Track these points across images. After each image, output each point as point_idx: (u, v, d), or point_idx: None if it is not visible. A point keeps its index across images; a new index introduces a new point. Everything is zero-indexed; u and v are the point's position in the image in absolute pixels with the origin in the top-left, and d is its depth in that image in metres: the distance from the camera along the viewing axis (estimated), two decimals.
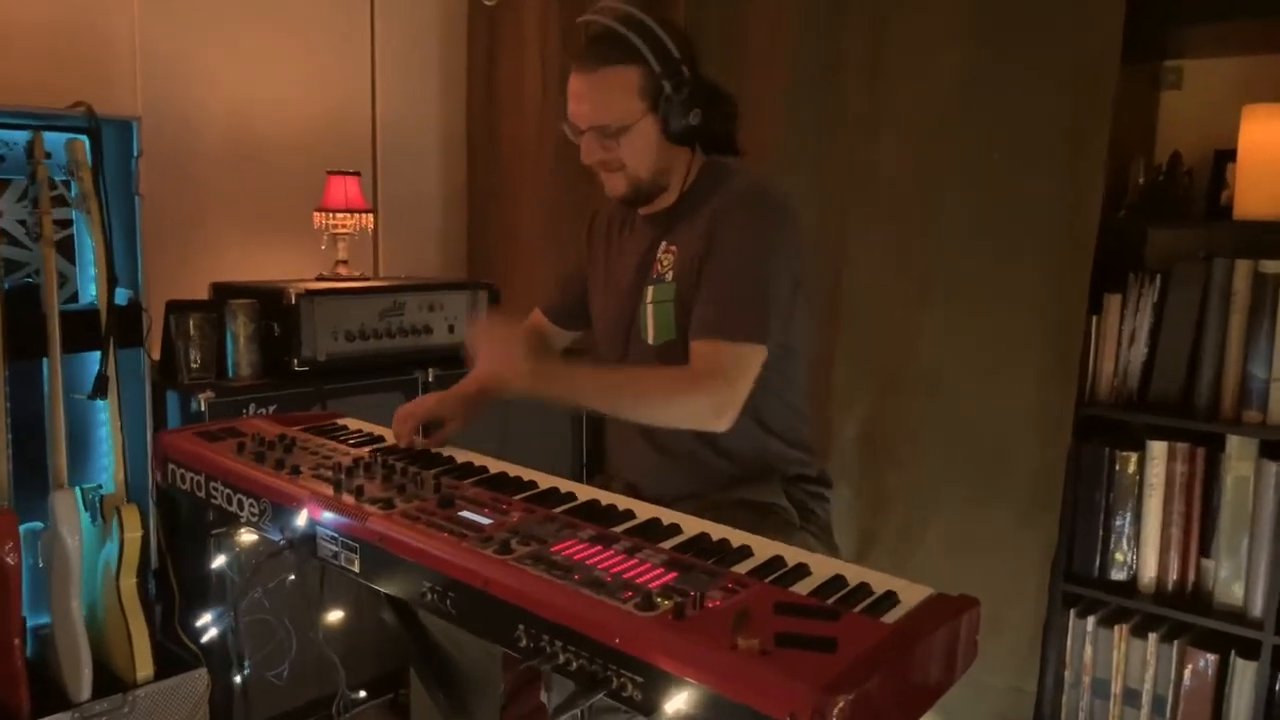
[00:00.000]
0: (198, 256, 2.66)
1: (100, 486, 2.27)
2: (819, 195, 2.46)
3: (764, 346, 1.47)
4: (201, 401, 2.09)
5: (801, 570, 1.12)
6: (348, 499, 1.30)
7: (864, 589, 1.07)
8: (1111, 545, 2.20)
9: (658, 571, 1.07)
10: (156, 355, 2.36)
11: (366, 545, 1.24)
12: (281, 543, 1.33)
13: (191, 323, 2.23)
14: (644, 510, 1.32)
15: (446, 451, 1.59)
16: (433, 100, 3.18)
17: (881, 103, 2.36)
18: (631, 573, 1.06)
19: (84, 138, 2.13)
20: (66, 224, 2.39)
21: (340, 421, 1.78)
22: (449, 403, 1.67)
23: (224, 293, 2.40)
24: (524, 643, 1.04)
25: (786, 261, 1.51)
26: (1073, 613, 2.27)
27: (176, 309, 2.28)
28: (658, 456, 1.62)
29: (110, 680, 2.13)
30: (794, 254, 1.53)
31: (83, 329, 2.17)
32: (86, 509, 2.24)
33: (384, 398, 2.42)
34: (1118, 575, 2.20)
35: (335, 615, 1.59)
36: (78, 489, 2.26)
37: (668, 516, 1.29)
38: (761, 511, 1.57)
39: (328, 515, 1.29)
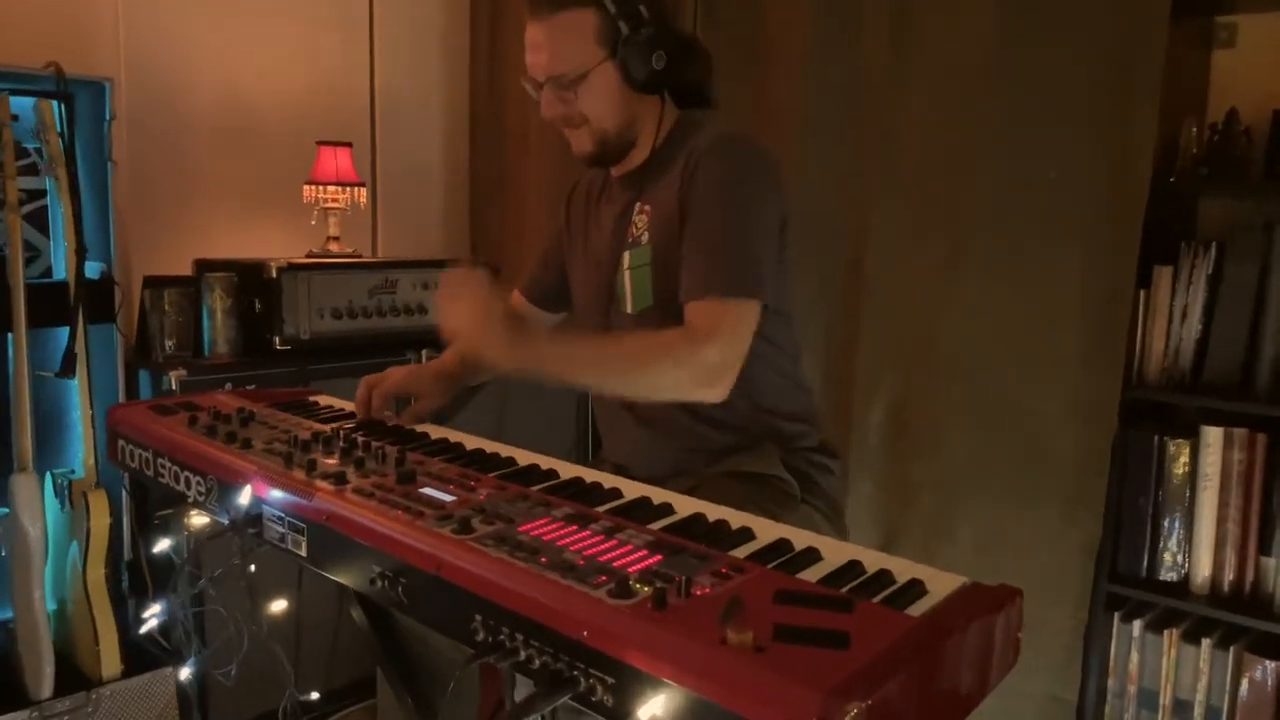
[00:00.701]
0: (186, 233, 2.53)
1: (73, 471, 2.14)
2: (840, 163, 2.29)
3: (760, 302, 1.33)
4: (173, 380, 1.95)
5: (811, 555, 0.96)
6: (297, 474, 1.15)
7: (884, 577, 0.90)
8: (1161, 542, 2.01)
9: (639, 554, 0.91)
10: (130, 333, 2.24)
11: (314, 525, 1.08)
12: (225, 524, 1.18)
13: (166, 298, 2.09)
14: (632, 489, 1.16)
15: (421, 428, 1.44)
16: (434, 72, 3.03)
17: (907, 63, 2.19)
18: (608, 555, 0.90)
19: (54, 100, 2.01)
20: (42, 195, 2.28)
21: (313, 398, 1.64)
22: (421, 378, 1.53)
23: (206, 269, 2.27)
24: (481, 635, 0.89)
25: (770, 212, 1.38)
26: (1117, 616, 2.08)
27: (152, 284, 2.15)
28: (644, 432, 1.48)
29: (76, 678, 1.99)
30: (777, 206, 1.40)
31: (53, 303, 2.04)
32: (56, 495, 2.11)
33: None
34: (1167, 575, 2.01)
35: (314, 610, 1.44)
36: (49, 474, 2.14)
37: (659, 496, 1.13)
38: (758, 483, 1.42)
39: (275, 493, 1.14)
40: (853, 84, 2.27)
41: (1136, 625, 2.05)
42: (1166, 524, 2.00)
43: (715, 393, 1.31)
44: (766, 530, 1.02)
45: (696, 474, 1.44)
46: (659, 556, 0.90)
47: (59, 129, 2.00)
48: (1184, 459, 1.97)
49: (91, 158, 2.14)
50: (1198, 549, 1.97)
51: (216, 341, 2.10)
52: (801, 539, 0.99)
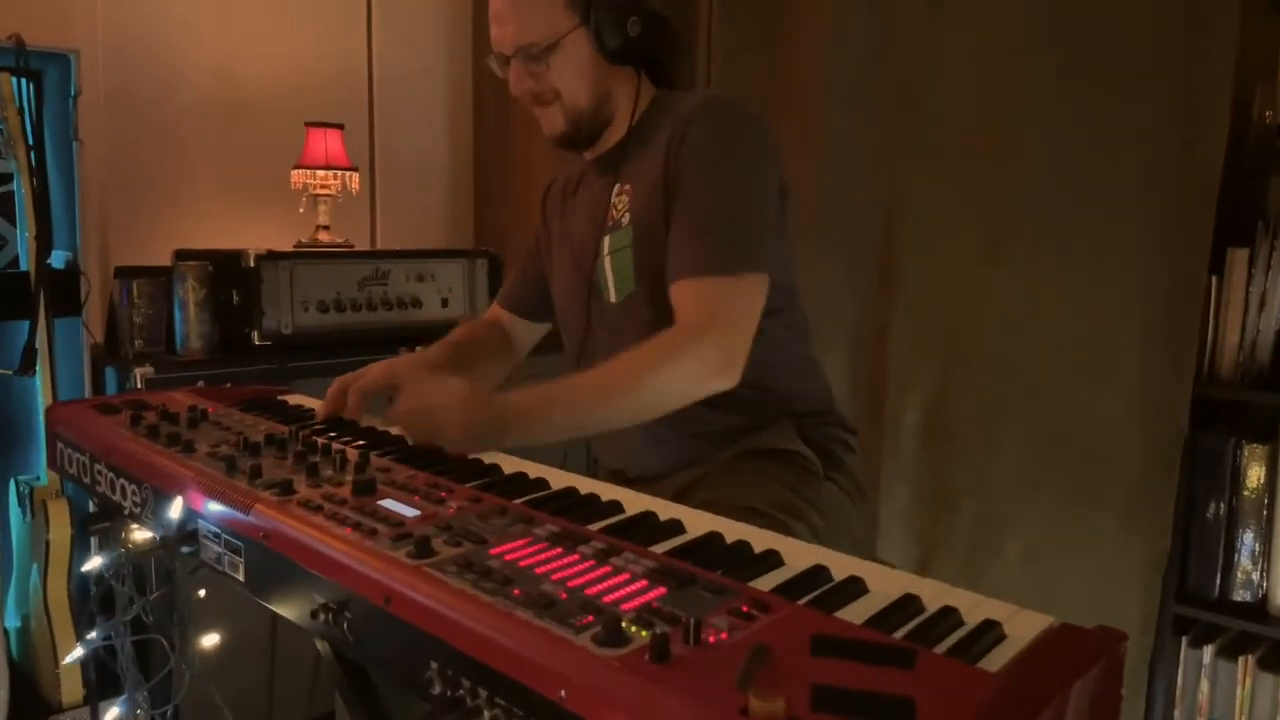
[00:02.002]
0: (170, 221, 2.36)
1: (37, 478, 1.98)
2: (869, 140, 2.10)
3: (764, 275, 1.19)
4: (139, 378, 1.78)
5: (854, 587, 0.76)
6: (236, 483, 0.97)
7: (949, 617, 0.71)
8: (1235, 558, 1.80)
9: (638, 585, 0.72)
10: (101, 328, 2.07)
11: (251, 544, 0.91)
12: (157, 541, 1.01)
13: (136, 289, 1.92)
14: (635, 501, 0.97)
15: (398, 430, 1.26)
16: (436, 49, 2.85)
17: (944, 26, 1.99)
18: (598, 587, 0.72)
19: (14, 75, 1.85)
20: (9, 179, 2.12)
21: (283, 397, 1.46)
22: (403, 370, 1.36)
23: (186, 259, 2.10)
24: (437, 688, 0.71)
25: (768, 176, 1.25)
26: (1185, 640, 1.87)
27: (123, 274, 1.98)
28: (640, 428, 1.29)
29: (36, 703, 1.83)
30: (775, 169, 1.27)
31: (15, 294, 1.89)
32: (20, 504, 1.95)
33: None
34: (1242, 595, 1.80)
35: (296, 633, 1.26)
36: (12, 481, 1.98)
37: (666, 510, 0.94)
38: (776, 459, 1.27)
39: (211, 505, 0.96)
40: (883, 51, 2.07)
41: (1207, 651, 1.84)
42: (1241, 538, 1.79)
43: (729, 380, 1.16)
44: (797, 554, 0.83)
45: (707, 461, 1.28)
46: (662, 589, 0.71)
47: (19, 105, 1.83)
48: (1261, 464, 1.76)
49: (61, 138, 1.98)
50: (1277, 566, 1.76)
51: (189, 336, 1.93)
52: (841, 565, 0.80)
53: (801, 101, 2.17)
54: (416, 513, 0.88)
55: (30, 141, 1.83)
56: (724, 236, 1.18)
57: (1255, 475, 1.77)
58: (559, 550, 0.79)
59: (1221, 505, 1.80)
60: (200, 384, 1.86)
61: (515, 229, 2.85)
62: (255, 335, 1.95)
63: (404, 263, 2.19)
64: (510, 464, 1.10)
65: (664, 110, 1.32)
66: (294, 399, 1.45)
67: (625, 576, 0.74)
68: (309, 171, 2.29)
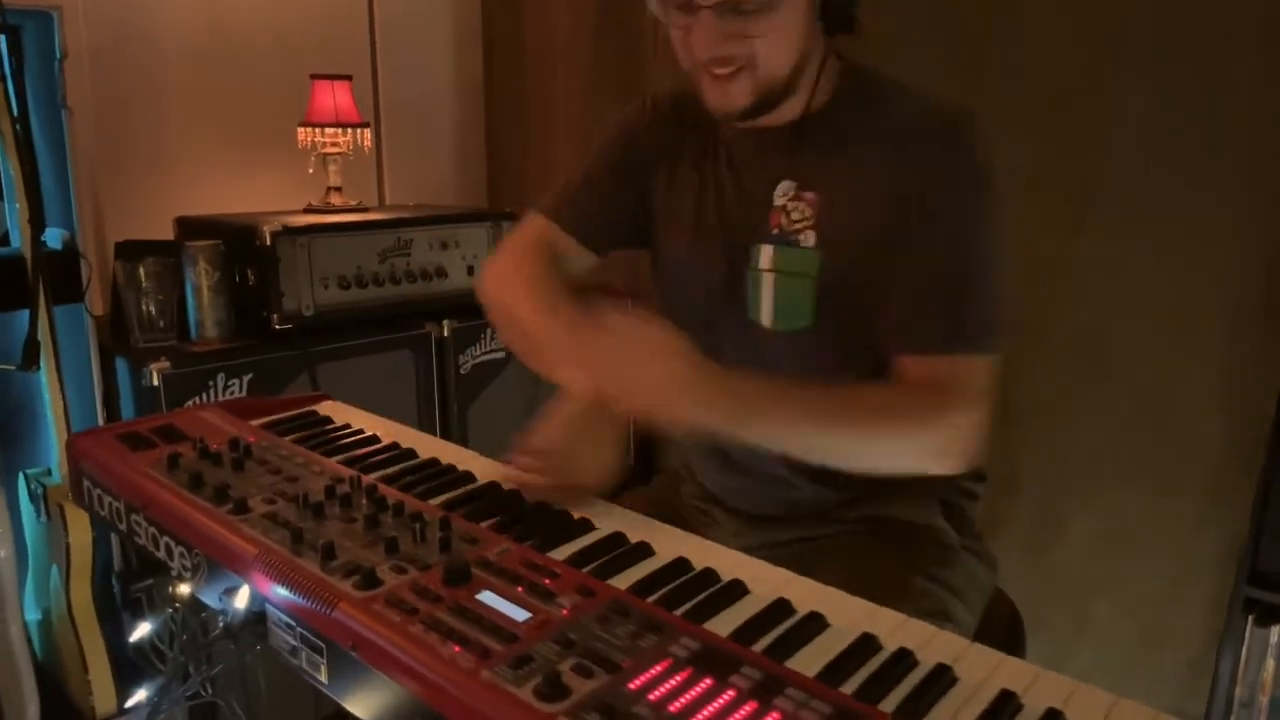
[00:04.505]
0: (167, 186, 2.18)
1: (49, 471, 1.86)
2: (945, 88, 1.91)
3: (998, 356, 1.03)
4: (154, 374, 1.64)
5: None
6: (309, 567, 0.86)
7: None
8: None
9: None
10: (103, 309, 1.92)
11: (336, 649, 0.80)
12: (219, 625, 0.90)
13: (142, 271, 1.77)
14: (761, 579, 0.87)
15: (448, 458, 1.14)
16: None
17: None
18: None
19: None
20: None
21: (323, 412, 1.34)
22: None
23: (190, 228, 1.94)
24: None
25: (1004, 243, 1.05)
26: (1250, 619, 1.81)
27: (126, 252, 1.82)
28: (768, 463, 1.14)
29: (68, 712, 1.75)
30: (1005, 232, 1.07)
31: (10, 280, 1.73)
32: (32, 500, 1.84)
33: (388, 358, 1.96)
34: None
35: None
36: (21, 474, 1.86)
37: (800, 594, 0.84)
38: (908, 538, 1.15)
39: (280, 590, 0.85)
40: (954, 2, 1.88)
41: (1274, 631, 1.79)
42: None
43: (955, 464, 1.02)
44: (973, 664, 0.74)
45: (832, 519, 1.16)
46: None
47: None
48: None
49: (46, 104, 1.79)
50: None
51: (204, 323, 1.78)
52: (1026, 685, 0.71)
53: (855, 54, 1.98)
54: (526, 615, 0.77)
55: (15, 112, 1.64)
56: (974, 312, 1.01)
57: None
58: (710, 682, 0.68)
59: None
60: (220, 376, 1.74)
61: (531, 177, 2.67)
62: (275, 319, 1.80)
63: (426, 229, 2.03)
64: (601, 515, 0.99)
65: (866, 100, 1.08)
66: (339, 413, 1.32)
67: None
68: (316, 129, 2.11)
